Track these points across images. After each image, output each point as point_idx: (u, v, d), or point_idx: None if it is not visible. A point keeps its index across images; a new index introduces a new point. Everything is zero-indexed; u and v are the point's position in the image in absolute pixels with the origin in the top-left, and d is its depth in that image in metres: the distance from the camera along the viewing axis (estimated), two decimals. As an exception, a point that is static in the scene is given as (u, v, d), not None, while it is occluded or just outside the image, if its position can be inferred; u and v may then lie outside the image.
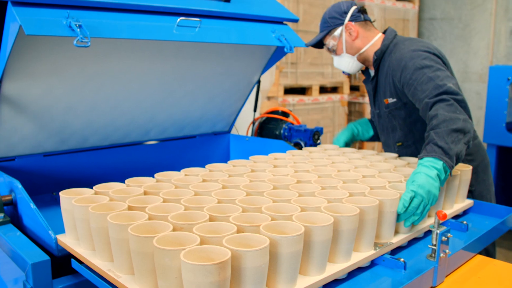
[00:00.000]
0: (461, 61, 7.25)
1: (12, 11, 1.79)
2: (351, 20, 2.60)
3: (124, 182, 1.95)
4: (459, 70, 7.25)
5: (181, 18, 2.22)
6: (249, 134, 3.62)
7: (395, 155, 2.52)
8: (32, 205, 1.83)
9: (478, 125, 7.08)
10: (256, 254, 1.25)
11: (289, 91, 5.63)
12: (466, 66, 7.20)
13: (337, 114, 5.94)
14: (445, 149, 1.94)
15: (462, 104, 2.09)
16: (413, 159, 2.43)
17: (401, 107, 2.53)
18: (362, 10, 2.63)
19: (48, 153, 2.56)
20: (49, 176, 2.54)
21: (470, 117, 2.10)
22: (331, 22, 2.62)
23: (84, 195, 1.75)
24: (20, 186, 1.93)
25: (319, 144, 3.22)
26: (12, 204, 2.01)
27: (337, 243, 1.56)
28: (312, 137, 3.23)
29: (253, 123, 3.50)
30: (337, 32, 2.62)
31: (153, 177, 2.04)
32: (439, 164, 1.91)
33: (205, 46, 2.70)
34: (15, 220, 2.01)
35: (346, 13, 2.60)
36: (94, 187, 1.83)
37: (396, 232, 1.85)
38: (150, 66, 2.58)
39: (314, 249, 1.46)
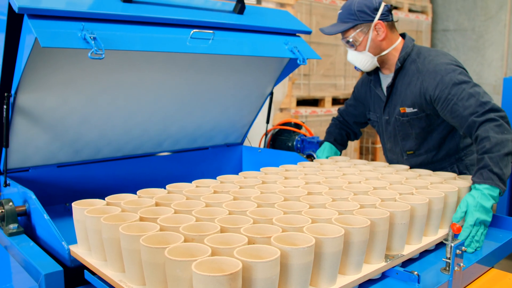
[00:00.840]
0: (474, 72, 7.21)
1: (28, 23, 1.81)
2: (381, 19, 2.48)
3: (136, 194, 1.96)
4: (473, 81, 7.22)
5: (194, 30, 2.24)
6: (262, 145, 3.61)
7: (406, 167, 2.51)
8: (46, 216, 1.84)
9: (493, 137, 7.03)
10: (266, 266, 1.25)
11: (301, 102, 5.63)
12: (479, 77, 7.16)
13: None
14: (500, 176, 2.05)
15: (506, 120, 2.17)
16: (425, 171, 2.42)
17: (422, 117, 2.50)
18: (390, 10, 2.53)
19: (62, 164, 2.57)
20: (63, 187, 2.55)
21: None
22: (359, 16, 2.47)
23: (96, 206, 1.75)
24: (34, 197, 1.94)
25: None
26: (26, 214, 2.02)
27: (347, 255, 1.55)
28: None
29: (266, 134, 3.50)
30: (364, 28, 2.49)
31: (165, 188, 2.04)
32: (496, 192, 2.03)
33: (218, 58, 2.71)
34: (29, 230, 2.02)
35: (377, 10, 2.47)
36: (106, 198, 1.84)
37: (407, 243, 1.84)
38: (163, 78, 2.59)
39: (324, 261, 1.45)
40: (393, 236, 1.73)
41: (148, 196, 1.92)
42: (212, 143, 3.26)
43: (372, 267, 1.64)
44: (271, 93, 3.24)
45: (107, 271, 1.57)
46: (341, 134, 3.03)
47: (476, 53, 7.18)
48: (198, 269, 1.21)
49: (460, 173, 2.57)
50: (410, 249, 1.80)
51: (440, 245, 2.00)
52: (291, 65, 3.06)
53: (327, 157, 2.93)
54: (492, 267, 1.94)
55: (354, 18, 2.48)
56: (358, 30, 2.49)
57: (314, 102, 5.78)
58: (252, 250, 1.37)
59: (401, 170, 2.45)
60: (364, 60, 2.57)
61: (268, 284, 1.27)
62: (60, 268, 1.64)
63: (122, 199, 1.84)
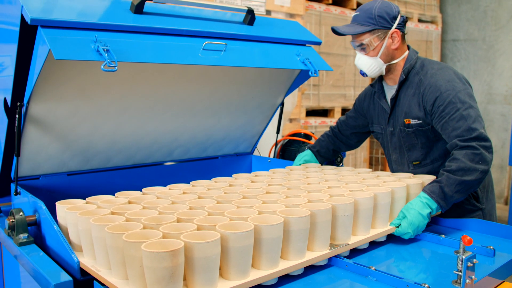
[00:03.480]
0: (485, 82, 7.18)
1: (42, 35, 1.83)
2: (397, 28, 2.50)
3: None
4: (483, 91, 7.18)
5: (207, 42, 2.24)
6: (272, 156, 3.61)
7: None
8: (56, 227, 1.84)
9: (503, 148, 6.98)
10: (206, 246, 1.47)
11: (311, 113, 5.63)
12: (490, 87, 7.12)
13: (359, 136, 5.90)
14: (447, 196, 2.20)
15: (489, 151, 2.26)
16: (384, 173, 2.59)
17: (428, 129, 2.52)
18: (405, 21, 2.55)
19: (72, 172, 2.58)
20: (73, 195, 2.55)
21: (491, 161, 2.27)
22: (379, 21, 2.47)
23: (76, 204, 2.00)
24: (44, 207, 1.94)
25: (341, 166, 3.21)
26: (36, 224, 2.03)
27: (289, 241, 1.74)
28: (334, 160, 3.21)
29: (276, 145, 3.50)
30: (381, 34, 2.49)
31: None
32: (434, 205, 2.20)
33: (230, 68, 2.71)
34: (39, 240, 2.02)
35: (395, 18, 2.49)
36: (86, 199, 2.08)
37: (354, 234, 2.03)
38: (174, 88, 2.60)
39: (265, 245, 1.65)
40: (337, 227, 1.92)
41: (123, 196, 2.18)
42: (222, 152, 3.26)
43: (315, 254, 1.83)
44: (282, 104, 3.24)
45: (111, 279, 1.64)
46: (327, 147, 3.05)
47: (487, 63, 7.15)
48: (147, 248, 1.41)
49: None
50: (355, 240, 1.98)
51: (392, 238, 2.20)
52: (302, 76, 3.06)
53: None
54: (504, 281, 1.91)
55: (373, 23, 2.48)
56: (375, 35, 2.50)
57: (324, 113, 5.78)
58: (198, 235, 1.56)
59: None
60: (373, 66, 2.57)
61: (209, 262, 1.48)
62: (70, 279, 1.63)
63: (100, 199, 2.08)
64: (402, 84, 2.58)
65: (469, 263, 1.62)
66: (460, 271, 1.62)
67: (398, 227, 2.16)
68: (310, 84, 5.33)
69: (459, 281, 1.64)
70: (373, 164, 6.46)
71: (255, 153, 3.52)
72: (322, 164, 3.08)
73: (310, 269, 1.86)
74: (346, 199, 1.97)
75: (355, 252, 2.04)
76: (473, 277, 1.64)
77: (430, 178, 2.47)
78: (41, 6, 1.91)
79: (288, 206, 1.87)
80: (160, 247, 1.46)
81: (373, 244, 2.14)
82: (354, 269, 1.83)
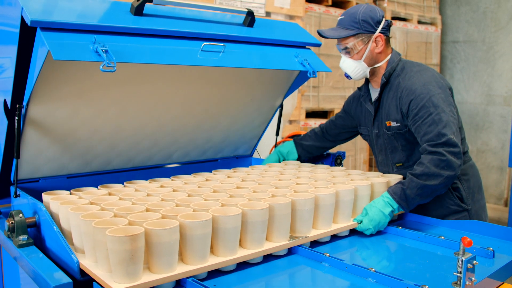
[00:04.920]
0: (485, 84, 7.17)
1: (41, 36, 1.83)
2: (381, 32, 2.55)
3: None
4: (483, 93, 7.18)
5: (205, 43, 2.25)
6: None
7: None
8: (55, 228, 1.84)
9: (503, 149, 6.97)
10: (165, 232, 1.63)
11: (310, 114, 5.63)
12: (490, 89, 7.12)
13: (359, 138, 5.91)
14: (408, 199, 2.31)
15: (457, 156, 2.31)
16: (356, 171, 2.70)
17: (406, 132, 2.57)
18: (390, 26, 2.60)
19: (72, 175, 2.58)
20: (72, 197, 2.56)
21: (459, 166, 2.32)
22: (363, 25, 2.52)
23: (59, 195, 2.18)
24: (43, 208, 1.94)
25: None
26: (36, 226, 2.02)
27: (247, 232, 1.89)
28: (334, 161, 3.21)
29: (275, 147, 3.49)
30: (365, 38, 2.55)
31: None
32: (395, 205, 2.32)
33: (229, 70, 2.72)
34: (38, 242, 2.02)
35: (379, 23, 2.54)
36: (71, 190, 2.27)
37: (316, 228, 2.17)
38: (173, 90, 2.60)
39: (223, 234, 1.80)
40: (297, 220, 2.06)
41: (105, 188, 2.34)
42: (221, 155, 3.26)
43: (274, 244, 1.97)
44: (281, 105, 3.24)
45: (85, 261, 1.78)
46: (312, 142, 3.11)
47: (486, 64, 7.14)
48: (110, 233, 1.58)
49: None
50: (315, 233, 2.13)
51: (354, 232, 2.32)
52: (301, 77, 3.06)
53: (280, 156, 3.12)
54: (504, 282, 1.91)
55: (357, 27, 2.53)
56: (359, 39, 2.55)
57: (323, 114, 5.77)
58: (160, 223, 1.72)
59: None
60: (357, 69, 2.62)
61: (167, 247, 1.64)
62: (70, 280, 1.63)
63: (83, 190, 2.28)
64: (384, 86, 2.62)
65: (469, 265, 1.62)
66: (460, 273, 1.62)
67: (360, 223, 2.27)
68: (310, 85, 5.33)
69: (459, 282, 1.64)
70: (372, 166, 6.46)
71: (255, 155, 3.52)
72: (301, 158, 3.14)
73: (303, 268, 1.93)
74: (307, 195, 2.10)
75: (320, 243, 2.19)
76: (473, 278, 1.64)
77: (398, 178, 2.57)
78: (41, 8, 1.92)
79: (251, 200, 2.02)
80: (123, 232, 1.62)
81: (339, 238, 2.28)
82: (354, 270, 1.83)
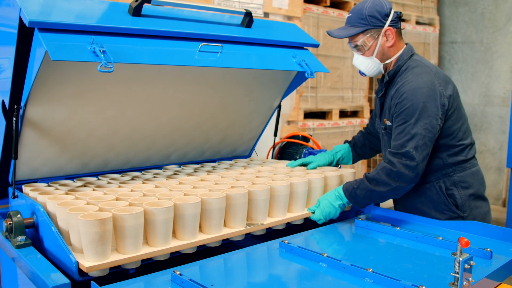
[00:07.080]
0: (483, 84, 7.18)
1: (38, 37, 1.83)
2: (390, 25, 2.49)
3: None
4: (481, 94, 7.18)
5: (203, 44, 2.25)
6: (269, 158, 3.61)
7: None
8: (53, 228, 1.84)
9: (501, 150, 6.98)
10: (130, 217, 1.81)
11: (309, 115, 5.63)
12: (488, 90, 7.13)
13: (358, 138, 5.90)
14: (357, 198, 2.42)
15: (413, 170, 2.32)
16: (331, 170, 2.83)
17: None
18: (400, 17, 2.52)
19: (70, 176, 2.58)
20: (71, 198, 2.56)
21: (411, 179, 2.33)
22: (370, 21, 2.47)
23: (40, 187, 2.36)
24: (41, 209, 1.95)
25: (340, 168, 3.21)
26: (34, 226, 2.02)
27: (206, 218, 2.08)
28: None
29: (273, 147, 3.49)
30: (374, 33, 2.50)
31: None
32: (345, 200, 2.46)
33: (227, 71, 2.72)
34: (36, 242, 2.02)
35: (387, 16, 2.48)
36: (49, 183, 2.44)
37: (272, 216, 2.36)
38: (171, 91, 2.60)
39: (184, 220, 1.99)
40: (254, 209, 2.26)
41: (80, 181, 2.52)
42: (220, 155, 3.26)
43: (231, 230, 2.17)
44: (279, 106, 3.25)
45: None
46: (363, 142, 3.04)
47: (484, 65, 7.15)
48: (82, 217, 1.76)
49: (446, 189, 2.54)
50: (271, 220, 2.32)
51: (308, 222, 2.52)
52: (299, 78, 3.06)
53: (332, 158, 3.02)
54: (502, 283, 1.92)
55: (365, 23, 2.48)
56: (368, 35, 2.50)
57: (322, 115, 5.77)
58: (127, 209, 1.90)
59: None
60: (370, 65, 2.59)
61: (133, 230, 1.83)
62: (67, 281, 1.63)
63: (59, 183, 2.44)
64: (388, 84, 2.59)
65: (466, 265, 1.62)
66: (457, 273, 1.62)
67: (313, 213, 2.46)
68: (308, 86, 5.33)
69: (456, 283, 1.64)
70: (371, 166, 6.47)
71: (253, 156, 3.52)
72: (355, 161, 3.08)
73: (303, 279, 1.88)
74: (262, 186, 2.31)
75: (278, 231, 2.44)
76: (470, 279, 1.64)
77: (351, 172, 2.79)
78: (39, 9, 1.92)
79: (211, 190, 2.23)
80: (93, 217, 1.78)
81: (293, 226, 2.51)
82: (351, 271, 1.83)
